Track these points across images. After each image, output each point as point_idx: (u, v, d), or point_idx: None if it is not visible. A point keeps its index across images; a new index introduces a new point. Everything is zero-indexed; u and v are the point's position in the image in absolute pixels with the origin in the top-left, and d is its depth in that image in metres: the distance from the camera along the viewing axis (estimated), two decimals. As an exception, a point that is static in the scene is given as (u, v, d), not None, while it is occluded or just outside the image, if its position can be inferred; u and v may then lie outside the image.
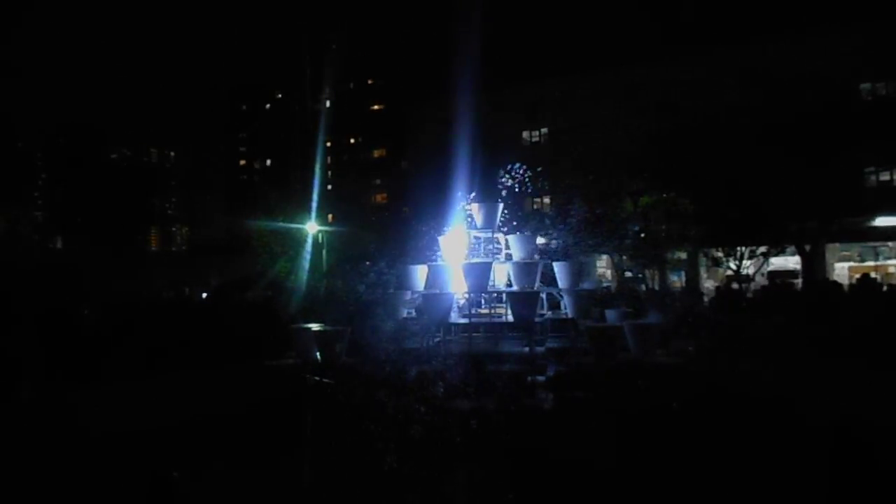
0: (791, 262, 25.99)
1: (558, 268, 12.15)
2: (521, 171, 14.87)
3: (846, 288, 16.53)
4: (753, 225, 21.08)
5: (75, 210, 43.81)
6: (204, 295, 26.04)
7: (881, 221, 25.10)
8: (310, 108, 61.33)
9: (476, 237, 13.19)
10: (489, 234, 13.06)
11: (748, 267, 23.89)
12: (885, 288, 16.13)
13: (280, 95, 75.09)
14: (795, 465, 6.07)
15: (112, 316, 14.62)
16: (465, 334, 11.79)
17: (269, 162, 74.57)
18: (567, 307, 11.89)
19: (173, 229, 56.15)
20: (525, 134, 36.01)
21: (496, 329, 11.89)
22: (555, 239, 16.41)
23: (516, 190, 14.54)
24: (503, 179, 15.05)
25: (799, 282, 24.02)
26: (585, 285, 14.04)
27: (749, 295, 19.44)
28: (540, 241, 15.62)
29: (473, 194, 14.31)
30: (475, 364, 9.64)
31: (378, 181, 61.84)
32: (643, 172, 23.39)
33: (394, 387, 8.96)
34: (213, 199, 58.09)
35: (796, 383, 8.56)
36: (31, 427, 8.40)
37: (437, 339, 11.84)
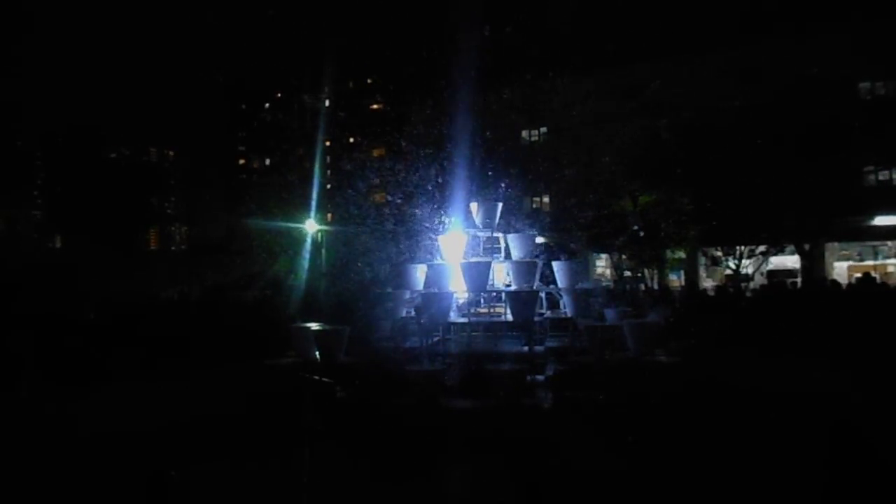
0: (790, 261, 26.01)
1: (557, 267, 12.14)
2: None
3: (845, 287, 16.53)
4: (752, 224, 21.11)
5: (74, 209, 43.63)
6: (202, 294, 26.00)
7: (880, 220, 25.11)
8: (309, 108, 61.33)
9: (475, 236, 13.17)
10: (488, 234, 13.05)
11: (747, 266, 23.93)
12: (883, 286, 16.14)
13: (279, 95, 75.03)
14: (789, 460, 6.09)
15: (111, 315, 14.63)
16: (465, 333, 11.78)
17: (268, 161, 74.52)
18: (566, 306, 11.88)
19: (172, 228, 55.97)
20: (525, 133, 35.98)
21: (495, 328, 11.87)
22: (554, 238, 16.42)
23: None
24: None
25: (798, 280, 24.05)
26: (585, 284, 14.02)
27: (748, 294, 19.45)
28: (539, 240, 15.59)
29: (473, 193, 14.27)
30: (474, 363, 9.65)
31: (377, 181, 61.65)
32: (642, 171, 23.41)
33: (393, 386, 8.98)
34: (212, 198, 57.96)
35: (793, 382, 8.59)
36: (29, 427, 8.40)
37: (437, 339, 11.83)
